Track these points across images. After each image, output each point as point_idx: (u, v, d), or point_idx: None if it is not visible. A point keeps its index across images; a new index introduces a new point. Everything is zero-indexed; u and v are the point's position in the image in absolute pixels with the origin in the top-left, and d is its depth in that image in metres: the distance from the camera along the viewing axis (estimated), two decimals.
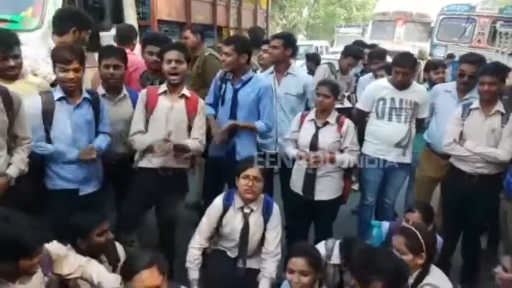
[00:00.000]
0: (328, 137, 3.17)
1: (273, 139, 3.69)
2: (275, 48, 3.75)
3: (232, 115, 3.32)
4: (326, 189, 3.23)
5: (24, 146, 2.52)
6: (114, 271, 2.40)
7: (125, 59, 3.11)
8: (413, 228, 2.46)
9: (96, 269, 2.17)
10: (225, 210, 2.83)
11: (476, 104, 3.23)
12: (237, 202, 2.82)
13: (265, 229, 2.83)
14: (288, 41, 3.79)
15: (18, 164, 2.48)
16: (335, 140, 3.18)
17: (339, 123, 3.20)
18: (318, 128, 3.20)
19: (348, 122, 3.24)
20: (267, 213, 2.84)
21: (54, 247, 2.10)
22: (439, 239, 2.94)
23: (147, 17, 4.69)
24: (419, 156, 3.79)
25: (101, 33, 3.80)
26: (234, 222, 2.82)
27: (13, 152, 2.49)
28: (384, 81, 3.66)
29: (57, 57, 2.65)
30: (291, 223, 3.51)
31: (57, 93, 2.72)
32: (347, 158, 3.19)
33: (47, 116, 2.68)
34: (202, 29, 4.69)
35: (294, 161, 3.34)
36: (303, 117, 3.30)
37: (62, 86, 2.70)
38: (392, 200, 3.73)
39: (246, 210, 2.81)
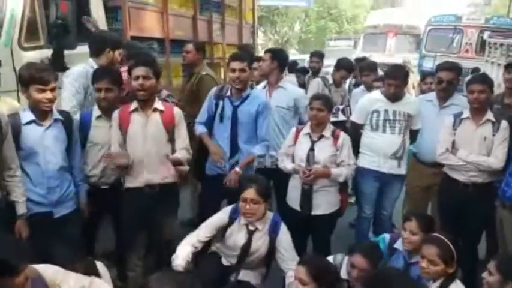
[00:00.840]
0: (324, 150, 3.19)
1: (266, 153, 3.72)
2: (263, 62, 3.86)
3: (233, 132, 3.34)
4: (323, 204, 3.23)
5: (16, 180, 2.57)
6: None
7: (117, 81, 3.04)
8: (444, 238, 2.46)
9: None
10: (230, 223, 2.83)
11: (466, 113, 3.29)
12: (243, 218, 2.81)
13: (274, 248, 2.80)
14: (275, 54, 3.88)
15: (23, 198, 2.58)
16: (331, 154, 3.20)
17: (335, 137, 3.22)
18: (313, 142, 3.22)
19: (343, 135, 3.26)
20: (273, 232, 2.81)
21: (47, 271, 2.02)
22: None
23: (120, 34, 4.33)
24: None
25: (66, 52, 3.53)
26: (237, 236, 2.82)
27: (11, 185, 2.55)
28: (377, 94, 3.71)
29: (34, 79, 2.57)
30: None
31: (26, 117, 2.64)
32: (343, 172, 3.21)
33: (14, 138, 2.57)
34: (203, 47, 4.70)
35: (289, 175, 3.35)
36: (297, 131, 3.32)
37: (38, 108, 2.63)
38: (389, 212, 3.75)
39: (251, 228, 2.81)
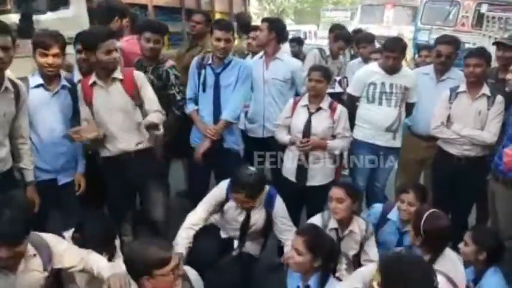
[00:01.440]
0: (321, 122, 3.20)
1: (260, 124, 3.72)
2: (261, 31, 3.79)
3: (215, 100, 3.32)
4: (318, 175, 3.27)
5: (26, 148, 2.60)
6: (109, 260, 2.39)
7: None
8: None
9: (97, 260, 2.15)
10: (227, 199, 2.85)
11: (463, 87, 3.31)
12: None
13: (271, 221, 2.87)
14: (273, 24, 3.80)
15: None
16: (328, 126, 3.21)
17: (332, 109, 3.23)
18: (311, 114, 3.22)
19: (340, 108, 3.27)
20: (269, 206, 2.85)
21: (53, 241, 2.09)
22: None
23: None
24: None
25: (35, 17, 3.28)
26: (234, 212, 2.85)
27: (21, 153, 2.58)
28: (374, 66, 3.69)
29: (37, 42, 2.61)
30: None
31: (35, 80, 2.68)
32: (339, 144, 3.24)
33: None
34: (210, 18, 4.52)
35: (285, 147, 3.37)
36: (295, 103, 3.32)
37: (43, 72, 2.66)
38: (382, 184, 3.80)
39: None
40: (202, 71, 3.36)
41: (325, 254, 2.32)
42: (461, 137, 3.27)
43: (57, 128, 2.74)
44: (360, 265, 2.68)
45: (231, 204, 2.85)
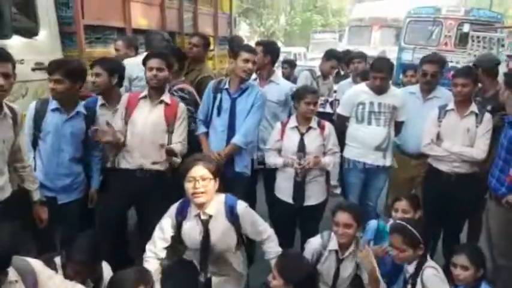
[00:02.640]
0: (313, 142, 3.24)
1: (254, 145, 3.72)
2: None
3: (230, 125, 3.33)
4: (314, 194, 3.28)
5: (28, 170, 2.70)
6: (96, 286, 2.39)
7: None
8: (407, 225, 2.58)
9: None
10: (179, 225, 2.56)
11: (451, 105, 3.36)
12: (193, 210, 2.54)
13: (240, 232, 2.59)
14: (268, 47, 3.86)
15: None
16: (320, 144, 3.26)
17: (321, 127, 3.28)
18: (302, 134, 3.25)
19: (328, 125, 3.33)
20: (232, 216, 2.53)
21: (39, 268, 2.03)
22: None
23: (72, 23, 3.90)
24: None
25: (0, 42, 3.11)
26: (192, 232, 2.54)
27: (24, 176, 2.67)
28: (362, 86, 3.75)
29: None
30: (277, 228, 3.53)
31: (54, 104, 2.88)
32: (332, 160, 3.28)
33: (37, 121, 2.87)
34: (209, 42, 4.58)
35: (276, 169, 3.37)
36: (283, 125, 3.34)
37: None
38: (374, 202, 3.81)
39: (204, 217, 2.51)
40: (218, 95, 3.37)
41: (297, 281, 2.25)
42: (451, 154, 3.30)
43: (65, 149, 2.90)
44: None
45: (187, 225, 2.55)
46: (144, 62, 3.11)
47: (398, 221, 2.79)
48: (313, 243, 2.80)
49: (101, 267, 2.42)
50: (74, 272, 2.25)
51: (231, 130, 3.33)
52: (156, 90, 3.08)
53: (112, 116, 3.14)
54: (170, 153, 2.95)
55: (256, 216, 2.65)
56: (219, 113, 3.35)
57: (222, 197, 2.57)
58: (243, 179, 3.40)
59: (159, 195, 3.08)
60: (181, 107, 3.16)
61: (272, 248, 2.60)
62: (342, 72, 5.68)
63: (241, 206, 2.58)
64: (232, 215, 2.54)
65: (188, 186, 2.43)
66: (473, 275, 2.55)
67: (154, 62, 3.05)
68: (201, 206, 2.49)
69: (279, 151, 3.34)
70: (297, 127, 3.28)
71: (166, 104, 3.08)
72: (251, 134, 3.36)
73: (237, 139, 3.29)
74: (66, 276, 2.23)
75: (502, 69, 4.56)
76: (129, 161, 3.04)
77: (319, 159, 3.21)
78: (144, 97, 3.09)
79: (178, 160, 3.00)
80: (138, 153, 3.02)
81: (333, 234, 2.77)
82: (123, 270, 2.25)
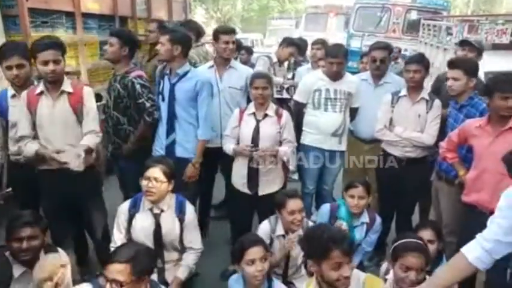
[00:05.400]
0: (268, 129, 3.23)
1: (218, 133, 3.66)
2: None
3: (171, 111, 3.28)
4: (269, 183, 3.29)
5: None
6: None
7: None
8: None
9: None
10: (132, 216, 2.72)
11: (404, 91, 3.46)
12: (146, 203, 2.73)
13: (182, 229, 2.76)
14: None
15: None
16: (275, 132, 3.25)
17: (278, 116, 3.27)
18: (258, 121, 3.25)
19: (286, 114, 3.32)
20: (180, 213, 2.75)
21: None
22: (378, 218, 3.15)
23: (13, 5, 3.71)
24: None
25: None
26: (144, 224, 2.71)
27: None
28: (318, 73, 3.78)
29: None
30: (234, 216, 3.55)
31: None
32: (288, 150, 3.28)
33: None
34: (164, 25, 4.46)
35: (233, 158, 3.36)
36: (241, 112, 3.33)
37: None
38: (330, 187, 3.89)
39: (156, 211, 2.71)
40: (161, 81, 3.33)
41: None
42: (402, 139, 3.41)
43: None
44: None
45: (139, 217, 2.72)
46: (34, 54, 2.73)
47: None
48: (264, 228, 2.86)
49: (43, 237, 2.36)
50: (19, 250, 2.22)
51: (171, 116, 3.27)
52: (54, 83, 2.77)
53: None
54: (87, 152, 2.74)
55: (197, 224, 2.86)
56: (163, 99, 3.30)
57: (173, 195, 2.78)
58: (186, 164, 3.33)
59: (92, 189, 2.99)
60: (86, 90, 2.88)
61: (187, 261, 2.77)
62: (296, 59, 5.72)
63: (191, 207, 2.84)
64: (180, 211, 2.76)
65: (143, 183, 2.66)
66: (437, 248, 2.67)
67: (48, 54, 2.67)
68: (153, 201, 2.69)
69: (237, 138, 3.31)
70: (254, 113, 3.27)
71: (69, 93, 2.79)
72: (209, 123, 3.36)
73: (201, 134, 3.29)
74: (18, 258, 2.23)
75: (450, 56, 4.75)
76: (48, 161, 2.77)
77: (275, 148, 3.20)
78: (41, 93, 2.78)
79: (92, 157, 2.84)
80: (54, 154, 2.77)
81: (279, 219, 2.83)
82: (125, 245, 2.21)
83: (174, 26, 3.96)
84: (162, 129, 3.35)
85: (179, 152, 3.31)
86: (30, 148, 2.76)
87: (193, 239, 2.81)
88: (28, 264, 2.27)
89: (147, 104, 3.26)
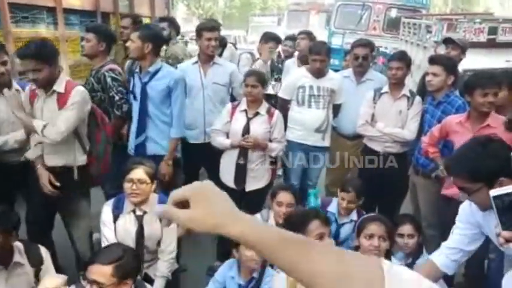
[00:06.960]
0: (259, 127, 3.26)
1: (201, 130, 3.68)
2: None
3: (143, 109, 3.23)
4: (256, 179, 3.32)
5: None
6: (37, 274, 2.33)
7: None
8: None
9: None
10: (116, 218, 2.67)
11: (386, 88, 3.54)
12: (128, 205, 2.68)
13: (163, 230, 2.68)
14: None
15: None
16: (266, 131, 3.28)
17: (269, 114, 3.30)
18: (249, 119, 3.27)
19: (277, 114, 3.35)
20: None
21: None
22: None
23: None
24: None
25: None
26: (126, 226, 2.66)
27: None
28: (303, 70, 3.83)
29: None
30: None
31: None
32: (278, 148, 3.33)
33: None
34: (139, 20, 4.46)
35: (222, 151, 3.36)
36: (233, 108, 3.34)
37: None
38: (314, 182, 3.94)
39: (139, 213, 2.66)
40: (131, 79, 3.31)
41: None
42: (383, 135, 3.49)
43: None
44: None
45: (121, 219, 2.67)
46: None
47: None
48: None
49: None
50: None
51: (142, 115, 3.23)
52: (44, 86, 2.73)
53: (5, 105, 2.85)
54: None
55: (175, 234, 2.73)
56: (134, 97, 3.27)
57: (155, 196, 2.72)
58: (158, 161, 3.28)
59: (69, 190, 2.92)
60: (77, 89, 2.75)
61: (160, 269, 2.68)
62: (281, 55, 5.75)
63: None
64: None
65: (126, 186, 2.61)
66: (417, 241, 2.73)
67: (29, 64, 2.59)
68: (136, 203, 2.65)
69: (227, 134, 3.32)
70: (245, 111, 3.29)
71: (59, 93, 2.72)
72: (183, 121, 3.34)
73: (174, 133, 3.26)
74: None
75: (429, 54, 4.85)
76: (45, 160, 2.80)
77: (265, 142, 3.24)
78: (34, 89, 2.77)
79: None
80: (43, 152, 2.81)
81: (271, 212, 2.87)
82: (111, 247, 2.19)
83: (146, 24, 3.93)
84: (133, 127, 3.33)
85: (151, 150, 3.27)
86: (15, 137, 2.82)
87: (172, 240, 2.72)
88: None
89: (116, 97, 3.27)
